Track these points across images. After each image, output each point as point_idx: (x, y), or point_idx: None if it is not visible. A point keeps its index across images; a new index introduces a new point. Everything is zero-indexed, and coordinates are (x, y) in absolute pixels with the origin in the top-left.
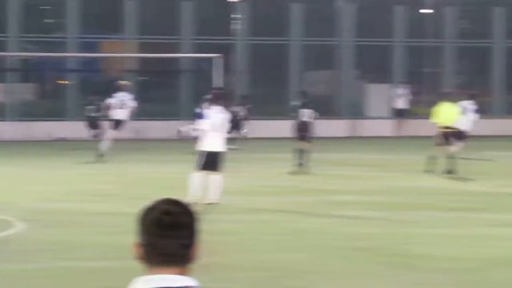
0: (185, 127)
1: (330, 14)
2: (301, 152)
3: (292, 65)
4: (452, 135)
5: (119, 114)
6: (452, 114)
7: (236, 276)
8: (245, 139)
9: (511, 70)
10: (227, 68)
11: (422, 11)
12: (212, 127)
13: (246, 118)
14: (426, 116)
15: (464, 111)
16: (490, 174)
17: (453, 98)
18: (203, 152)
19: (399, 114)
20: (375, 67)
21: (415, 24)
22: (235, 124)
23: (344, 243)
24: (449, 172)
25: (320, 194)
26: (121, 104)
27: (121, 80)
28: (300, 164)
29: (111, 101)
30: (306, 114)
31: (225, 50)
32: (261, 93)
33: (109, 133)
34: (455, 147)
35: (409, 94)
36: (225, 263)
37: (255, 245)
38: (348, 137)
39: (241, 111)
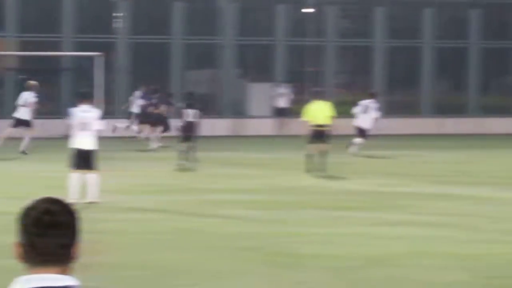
0: (122, 124)
1: (212, 13)
2: (186, 151)
3: (174, 64)
4: (322, 133)
5: (22, 113)
6: (323, 112)
7: (119, 275)
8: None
9: (392, 69)
10: (108, 67)
11: (303, 10)
12: (79, 125)
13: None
14: None
15: (365, 110)
16: (372, 172)
17: (325, 96)
18: (74, 150)
19: (281, 113)
20: (257, 66)
21: (297, 23)
22: (164, 123)
23: (228, 243)
24: (321, 170)
25: (204, 193)
26: (26, 103)
27: (29, 80)
28: (185, 163)
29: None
30: (191, 114)
31: (107, 48)
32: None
33: (6, 132)
34: (327, 146)
35: (290, 93)
36: (107, 262)
37: (138, 244)
38: (231, 136)
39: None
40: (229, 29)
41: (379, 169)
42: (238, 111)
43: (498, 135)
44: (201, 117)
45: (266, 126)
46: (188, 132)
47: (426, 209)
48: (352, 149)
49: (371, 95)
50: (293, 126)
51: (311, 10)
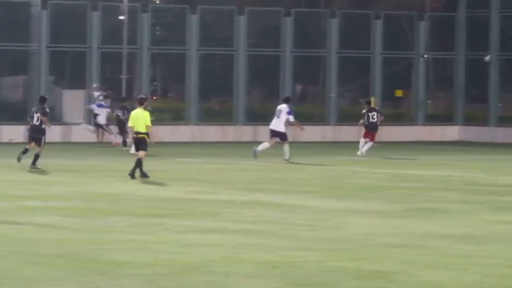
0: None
1: (26, 20)
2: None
3: None
4: (141, 140)
5: None
6: (142, 120)
7: None
8: None
9: (206, 77)
10: None
11: (118, 17)
12: None
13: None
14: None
15: (279, 114)
16: (187, 179)
17: (146, 103)
18: None
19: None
20: (70, 73)
21: (111, 30)
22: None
23: (44, 250)
24: (131, 176)
25: (18, 200)
26: None
27: None
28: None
29: None
30: (35, 118)
31: None
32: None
33: None
34: (144, 152)
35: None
36: None
37: None
38: (60, 142)
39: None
40: (43, 36)
41: (193, 176)
42: (53, 117)
43: (311, 143)
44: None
45: (81, 133)
46: (33, 135)
47: (240, 217)
48: (286, 155)
49: (285, 100)
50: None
51: (125, 17)
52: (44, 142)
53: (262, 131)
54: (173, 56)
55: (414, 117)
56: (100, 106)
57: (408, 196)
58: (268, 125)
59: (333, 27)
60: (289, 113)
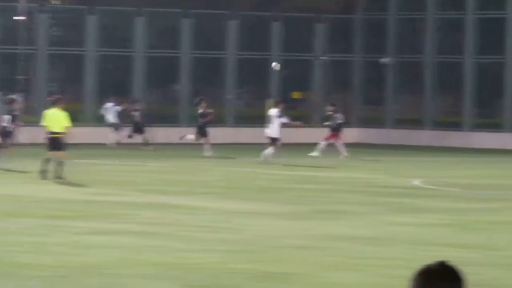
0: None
1: None
2: None
3: None
4: (58, 141)
5: None
6: (58, 120)
7: None
8: None
9: (104, 78)
10: None
11: (15, 17)
12: None
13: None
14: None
15: (271, 119)
16: (87, 181)
17: (59, 104)
18: None
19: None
20: None
21: (8, 30)
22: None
23: None
24: (58, 177)
25: None
26: None
27: None
28: None
29: None
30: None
31: None
32: None
33: None
34: (63, 153)
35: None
36: None
37: None
38: None
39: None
40: None
41: (92, 177)
42: None
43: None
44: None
45: None
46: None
47: (139, 218)
48: (263, 156)
49: (277, 104)
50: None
51: (22, 17)
52: None
53: (159, 133)
54: (70, 57)
55: (310, 119)
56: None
57: (310, 198)
58: (164, 126)
59: (233, 29)
60: (279, 116)
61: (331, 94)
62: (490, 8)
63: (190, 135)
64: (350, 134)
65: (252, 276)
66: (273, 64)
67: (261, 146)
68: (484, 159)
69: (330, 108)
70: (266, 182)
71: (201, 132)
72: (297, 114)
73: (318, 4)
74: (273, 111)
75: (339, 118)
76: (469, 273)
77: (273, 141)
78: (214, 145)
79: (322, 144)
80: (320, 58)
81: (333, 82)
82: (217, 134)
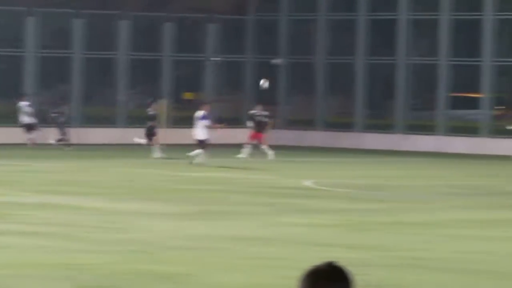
0: None
1: None
2: None
3: None
4: None
5: None
6: None
7: None
8: None
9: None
10: None
11: None
12: None
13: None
14: None
15: (196, 121)
16: None
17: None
18: None
19: None
20: None
21: None
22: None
23: None
24: None
25: None
26: None
27: None
28: None
29: None
30: None
31: None
32: None
33: None
34: None
35: None
36: None
37: None
38: None
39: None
40: None
41: None
42: None
43: (99, 145)
44: None
45: None
46: None
47: (29, 219)
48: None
49: (201, 107)
50: None
51: None
52: None
53: (49, 133)
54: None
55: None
56: None
57: (201, 199)
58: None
59: (124, 29)
60: (202, 118)
61: (223, 95)
62: (381, 9)
63: (140, 139)
64: (242, 134)
65: (145, 276)
66: (261, 81)
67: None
68: (375, 160)
69: (258, 107)
70: (159, 183)
71: (150, 134)
72: (189, 115)
73: (210, 5)
74: (198, 113)
75: (264, 117)
76: (358, 274)
77: (201, 143)
78: (105, 145)
79: (248, 145)
80: (212, 59)
81: (225, 83)
82: (108, 134)
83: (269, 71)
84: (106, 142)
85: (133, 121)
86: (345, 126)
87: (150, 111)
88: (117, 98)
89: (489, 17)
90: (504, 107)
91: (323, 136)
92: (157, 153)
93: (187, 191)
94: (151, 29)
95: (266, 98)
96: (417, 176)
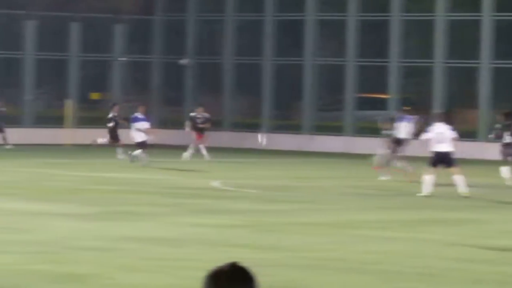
0: None
1: None
2: None
3: None
4: None
5: None
6: None
7: None
8: None
9: None
10: None
11: None
12: None
13: None
14: None
15: (132, 122)
16: None
17: None
18: None
19: None
20: None
21: None
22: None
23: None
24: None
25: None
26: None
27: None
28: None
29: None
30: None
31: None
32: None
33: None
34: None
35: None
36: None
37: None
38: None
39: None
40: None
41: None
42: None
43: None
44: None
45: None
46: None
47: None
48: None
49: (137, 108)
50: None
51: None
52: None
53: None
54: None
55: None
56: None
57: (106, 199)
58: None
59: (30, 29)
60: (134, 120)
61: (130, 95)
62: (289, 10)
63: (102, 139)
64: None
65: (47, 277)
66: (259, 138)
67: (59, 147)
68: (282, 161)
69: (199, 109)
70: (63, 183)
71: (113, 136)
72: (96, 116)
73: (117, 5)
74: (133, 115)
75: (204, 119)
76: (265, 275)
77: (140, 144)
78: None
79: (192, 146)
80: (119, 59)
81: (132, 83)
82: (14, 134)
83: (176, 72)
84: (14, 142)
85: (41, 121)
86: (253, 126)
87: (112, 113)
88: (25, 98)
89: (396, 18)
90: (409, 108)
91: (230, 137)
92: (121, 155)
93: (95, 191)
94: (57, 29)
95: (172, 98)
96: (325, 176)
